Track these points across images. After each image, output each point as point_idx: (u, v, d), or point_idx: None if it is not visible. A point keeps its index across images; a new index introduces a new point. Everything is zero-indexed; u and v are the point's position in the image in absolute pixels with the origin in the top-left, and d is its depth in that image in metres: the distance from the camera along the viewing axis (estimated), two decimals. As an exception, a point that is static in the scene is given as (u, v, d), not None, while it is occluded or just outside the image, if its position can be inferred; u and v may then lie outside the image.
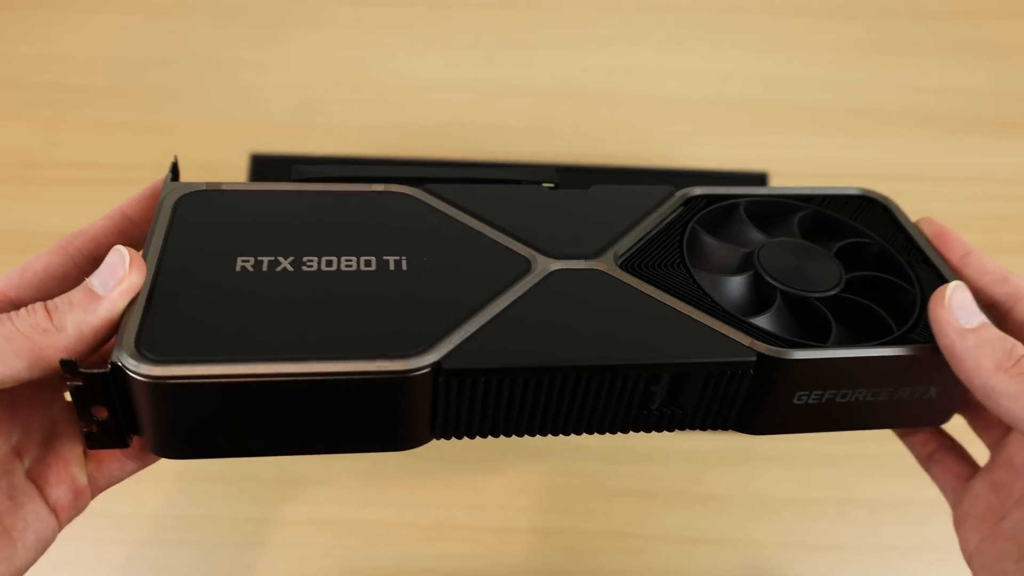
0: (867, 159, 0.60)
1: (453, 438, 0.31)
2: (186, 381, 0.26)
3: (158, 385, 0.26)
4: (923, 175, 0.59)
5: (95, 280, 0.28)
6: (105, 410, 0.28)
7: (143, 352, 0.27)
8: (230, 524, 0.53)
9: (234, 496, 0.54)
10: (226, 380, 0.26)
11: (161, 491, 0.54)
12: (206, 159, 0.60)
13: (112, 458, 0.32)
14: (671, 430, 0.32)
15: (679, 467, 0.54)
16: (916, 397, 0.33)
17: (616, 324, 0.30)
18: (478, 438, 0.31)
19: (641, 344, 0.29)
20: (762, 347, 0.30)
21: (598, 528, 0.53)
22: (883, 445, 0.54)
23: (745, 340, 0.30)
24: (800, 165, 0.59)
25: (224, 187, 0.33)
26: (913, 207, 0.60)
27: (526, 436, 0.31)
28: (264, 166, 0.57)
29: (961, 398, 0.35)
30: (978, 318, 0.31)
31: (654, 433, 0.54)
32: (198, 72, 0.62)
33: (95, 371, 0.27)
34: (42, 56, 0.63)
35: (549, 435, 0.31)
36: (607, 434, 0.32)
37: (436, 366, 0.28)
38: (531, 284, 0.31)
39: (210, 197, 0.32)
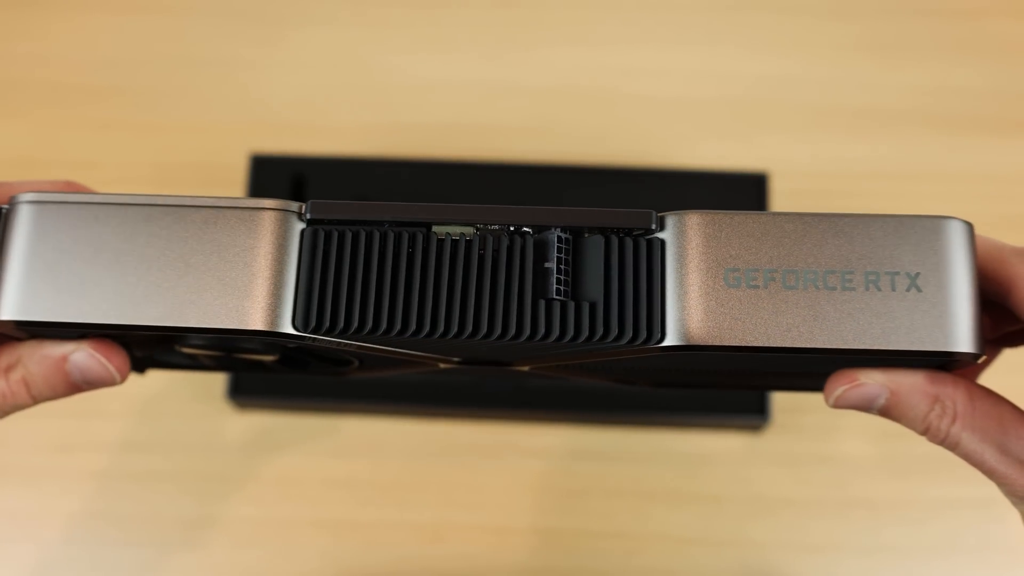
0: (867, 159, 0.60)
1: (318, 333, 0.27)
2: (56, 201, 0.28)
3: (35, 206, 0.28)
4: (923, 175, 0.59)
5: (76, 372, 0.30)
6: None
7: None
8: (230, 524, 0.53)
9: (234, 496, 0.54)
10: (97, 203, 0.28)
11: (161, 491, 0.54)
12: (206, 159, 0.60)
13: None
14: (581, 336, 0.27)
15: (679, 467, 0.54)
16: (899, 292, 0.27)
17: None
18: (356, 341, 0.27)
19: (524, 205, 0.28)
20: (667, 213, 0.27)
21: (598, 528, 0.53)
22: (883, 445, 0.54)
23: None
24: (800, 165, 0.59)
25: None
26: (913, 207, 0.60)
27: (412, 338, 0.27)
28: (264, 166, 0.57)
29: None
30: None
31: (652, 431, 0.54)
32: (197, 71, 0.62)
33: None
34: (41, 56, 0.63)
35: (440, 334, 0.27)
36: (514, 339, 0.27)
37: (303, 209, 0.28)
38: None
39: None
